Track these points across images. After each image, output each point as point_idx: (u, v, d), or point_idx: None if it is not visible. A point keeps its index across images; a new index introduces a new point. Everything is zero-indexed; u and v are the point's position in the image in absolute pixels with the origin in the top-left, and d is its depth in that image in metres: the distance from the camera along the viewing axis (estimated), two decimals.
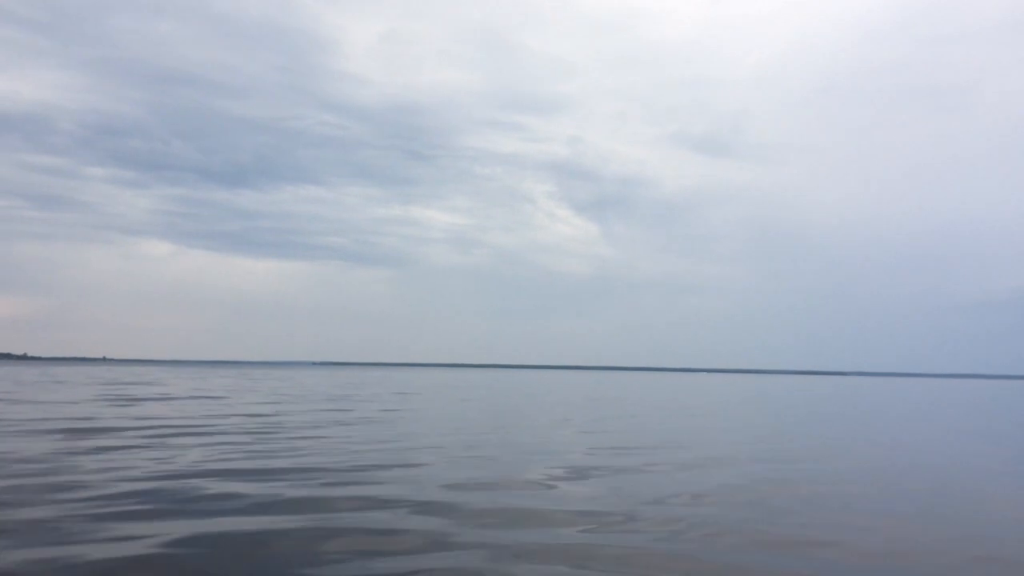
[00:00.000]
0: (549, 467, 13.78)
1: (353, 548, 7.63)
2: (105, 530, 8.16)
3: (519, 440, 18.46)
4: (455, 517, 9.12)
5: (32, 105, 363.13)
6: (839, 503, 10.64)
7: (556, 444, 17.78)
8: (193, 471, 12.47)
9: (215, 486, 11.07)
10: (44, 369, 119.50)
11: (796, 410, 36.42)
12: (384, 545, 7.76)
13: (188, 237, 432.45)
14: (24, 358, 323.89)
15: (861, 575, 7.00)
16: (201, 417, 24.34)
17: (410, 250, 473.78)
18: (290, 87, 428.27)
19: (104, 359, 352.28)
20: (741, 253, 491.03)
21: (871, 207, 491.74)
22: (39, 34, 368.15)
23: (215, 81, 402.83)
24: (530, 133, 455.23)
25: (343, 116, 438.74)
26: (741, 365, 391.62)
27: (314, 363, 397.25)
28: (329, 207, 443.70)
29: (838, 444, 19.21)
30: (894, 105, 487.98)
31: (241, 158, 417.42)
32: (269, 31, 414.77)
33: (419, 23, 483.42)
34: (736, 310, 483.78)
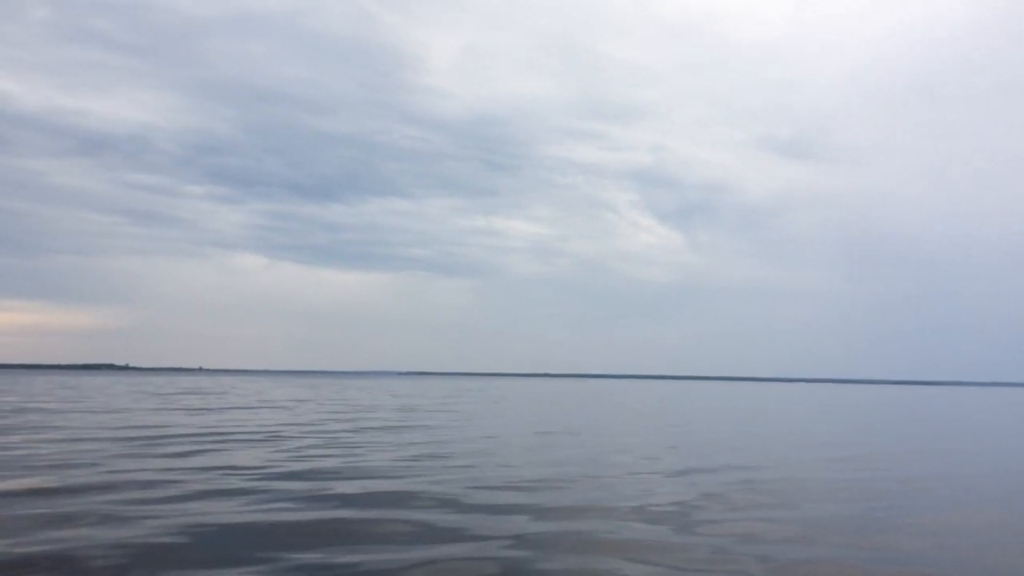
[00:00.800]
0: (587, 475, 13.78)
1: (387, 538, 8.51)
2: (156, 519, 9.29)
3: (593, 446, 18.46)
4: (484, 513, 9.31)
5: (134, 126, 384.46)
6: None
7: (603, 456, 17.69)
8: (243, 475, 13.04)
9: (257, 485, 11.67)
10: (141, 379, 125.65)
11: (914, 423, 35.09)
12: (408, 536, 8.43)
13: (279, 250, 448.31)
14: (126, 368, 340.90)
15: None
16: (273, 425, 25.25)
17: (492, 260, 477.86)
18: (376, 102, 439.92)
19: (201, 369, 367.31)
20: (830, 258, 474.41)
21: (963, 209, 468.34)
22: (141, 59, 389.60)
23: (305, 98, 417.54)
24: (611, 141, 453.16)
25: (426, 129, 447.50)
26: (833, 374, 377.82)
27: (400, 373, 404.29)
28: (413, 219, 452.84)
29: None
30: (986, 104, 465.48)
31: (329, 173, 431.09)
32: (356, 49, 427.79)
33: (500, 35, 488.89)
34: (825, 317, 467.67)
